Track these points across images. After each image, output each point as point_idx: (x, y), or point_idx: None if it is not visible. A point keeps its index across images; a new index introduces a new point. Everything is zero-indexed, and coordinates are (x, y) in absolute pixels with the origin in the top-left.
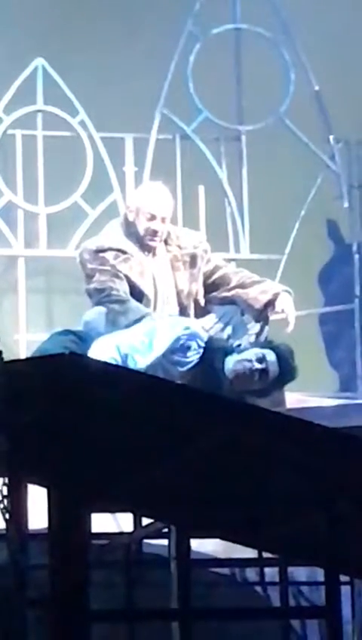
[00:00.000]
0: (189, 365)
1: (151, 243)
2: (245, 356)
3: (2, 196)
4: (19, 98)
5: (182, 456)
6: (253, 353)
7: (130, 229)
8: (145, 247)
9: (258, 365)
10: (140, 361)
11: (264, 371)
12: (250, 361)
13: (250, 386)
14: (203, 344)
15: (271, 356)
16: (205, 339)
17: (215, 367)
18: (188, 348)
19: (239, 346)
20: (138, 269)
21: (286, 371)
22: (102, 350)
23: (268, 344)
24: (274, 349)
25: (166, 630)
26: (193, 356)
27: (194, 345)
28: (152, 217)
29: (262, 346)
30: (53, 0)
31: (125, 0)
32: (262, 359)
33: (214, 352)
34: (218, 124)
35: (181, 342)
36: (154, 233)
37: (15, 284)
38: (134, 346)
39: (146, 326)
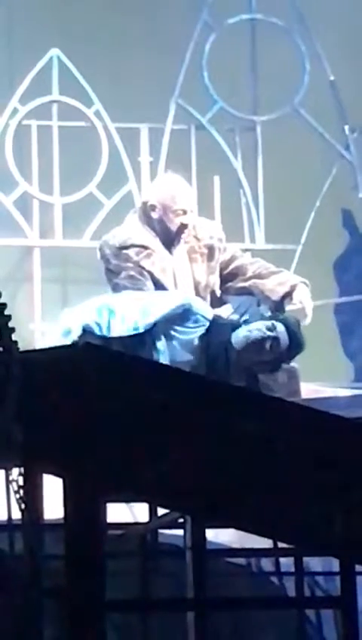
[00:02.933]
0: (194, 334)
1: (180, 237)
2: (254, 326)
3: (18, 187)
4: (35, 88)
5: (197, 445)
6: (262, 323)
7: (151, 225)
8: (169, 242)
9: (269, 333)
10: (135, 322)
11: (275, 339)
12: (260, 330)
13: (261, 355)
14: (208, 317)
15: (280, 327)
16: (209, 314)
17: (222, 340)
18: (190, 319)
19: (246, 321)
20: (160, 265)
21: (295, 342)
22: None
23: (275, 316)
24: (281, 320)
25: (181, 620)
26: (197, 327)
27: (198, 316)
28: (184, 212)
29: (269, 319)
30: None
31: None
32: (271, 328)
33: (221, 326)
34: (233, 115)
35: (182, 310)
36: (186, 227)
37: (30, 274)
38: (127, 307)
39: (144, 294)
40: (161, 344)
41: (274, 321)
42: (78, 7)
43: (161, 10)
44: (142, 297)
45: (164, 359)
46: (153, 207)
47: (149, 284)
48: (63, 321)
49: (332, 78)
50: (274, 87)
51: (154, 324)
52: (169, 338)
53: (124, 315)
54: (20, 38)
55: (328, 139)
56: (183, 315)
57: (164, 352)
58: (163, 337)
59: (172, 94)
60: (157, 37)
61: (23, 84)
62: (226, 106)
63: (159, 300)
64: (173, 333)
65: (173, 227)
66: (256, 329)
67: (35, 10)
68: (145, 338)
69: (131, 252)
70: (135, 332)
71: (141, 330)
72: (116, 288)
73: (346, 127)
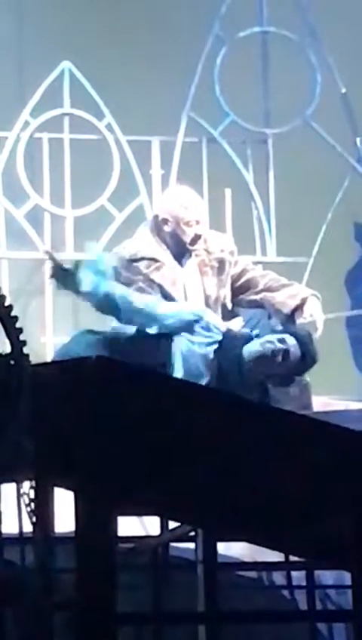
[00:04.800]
0: (209, 346)
1: (195, 247)
2: (266, 338)
3: (29, 199)
4: (46, 101)
5: (209, 459)
6: (273, 336)
7: (163, 237)
8: (180, 255)
9: (279, 345)
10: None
11: (286, 352)
12: (272, 342)
13: (272, 369)
14: (221, 329)
15: (291, 340)
16: (221, 326)
17: (234, 353)
18: (204, 327)
19: (258, 335)
20: (170, 278)
21: (307, 355)
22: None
23: (286, 329)
24: (292, 333)
25: (192, 633)
26: (211, 336)
27: (211, 326)
28: (197, 222)
29: (281, 332)
30: (80, 3)
31: (151, 3)
32: (282, 341)
33: (233, 339)
34: (244, 127)
35: (196, 318)
36: (199, 238)
37: (42, 287)
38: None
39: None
40: (178, 355)
41: (284, 335)
42: (90, 19)
43: (173, 23)
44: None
45: (178, 372)
46: (165, 221)
47: (159, 296)
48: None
49: (343, 90)
50: (286, 100)
51: (171, 336)
52: (185, 349)
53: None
54: (32, 51)
55: (340, 151)
56: (197, 322)
57: (178, 364)
58: (180, 348)
59: (183, 107)
60: (168, 50)
61: (34, 96)
62: (238, 118)
63: (175, 304)
64: (189, 343)
65: (187, 238)
66: (267, 342)
67: (47, 23)
68: (162, 346)
69: (141, 265)
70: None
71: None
72: None
73: (358, 140)
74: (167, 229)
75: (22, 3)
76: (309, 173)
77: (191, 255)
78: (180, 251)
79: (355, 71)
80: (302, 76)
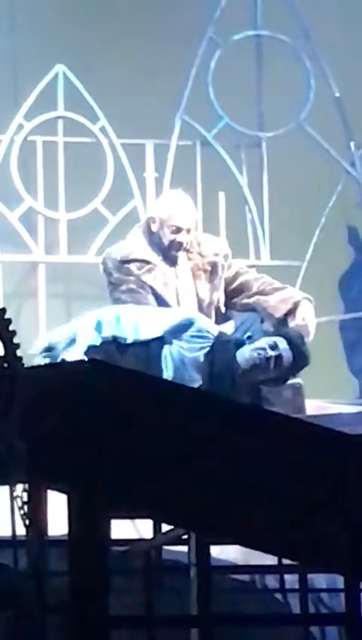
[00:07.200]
0: (200, 350)
1: (174, 253)
2: (257, 345)
3: (23, 202)
4: (40, 104)
5: (202, 462)
6: (265, 341)
7: (153, 239)
8: (169, 258)
9: (271, 352)
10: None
11: (278, 357)
12: (264, 349)
13: (266, 374)
14: (213, 333)
15: (282, 343)
16: (213, 330)
17: (227, 358)
18: (195, 332)
19: (250, 337)
20: (162, 280)
21: (299, 356)
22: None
23: (277, 331)
24: (283, 335)
25: (185, 637)
26: (203, 341)
27: (203, 331)
28: (177, 230)
29: (272, 334)
30: (74, 7)
31: (146, 6)
32: (274, 346)
33: (225, 343)
34: (238, 131)
35: (188, 323)
36: (179, 245)
37: (35, 289)
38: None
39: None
40: (169, 360)
41: (276, 338)
42: (83, 23)
43: (167, 26)
44: (147, 309)
45: (169, 376)
46: (153, 220)
47: (150, 298)
48: (61, 335)
49: (337, 94)
50: (280, 104)
51: (163, 338)
52: (176, 354)
53: (136, 323)
54: (26, 54)
55: (334, 155)
56: (188, 328)
57: (169, 368)
58: (170, 353)
59: (177, 110)
60: (162, 53)
61: (28, 99)
62: (232, 122)
63: (164, 313)
64: (179, 348)
65: (166, 242)
66: (259, 348)
67: (41, 27)
68: (153, 352)
69: (133, 266)
70: (144, 340)
71: (148, 338)
72: (117, 302)
73: (352, 144)
74: (153, 228)
75: (15, 6)
76: (303, 177)
77: (183, 258)
78: (169, 253)
79: (349, 75)
80: (296, 80)
